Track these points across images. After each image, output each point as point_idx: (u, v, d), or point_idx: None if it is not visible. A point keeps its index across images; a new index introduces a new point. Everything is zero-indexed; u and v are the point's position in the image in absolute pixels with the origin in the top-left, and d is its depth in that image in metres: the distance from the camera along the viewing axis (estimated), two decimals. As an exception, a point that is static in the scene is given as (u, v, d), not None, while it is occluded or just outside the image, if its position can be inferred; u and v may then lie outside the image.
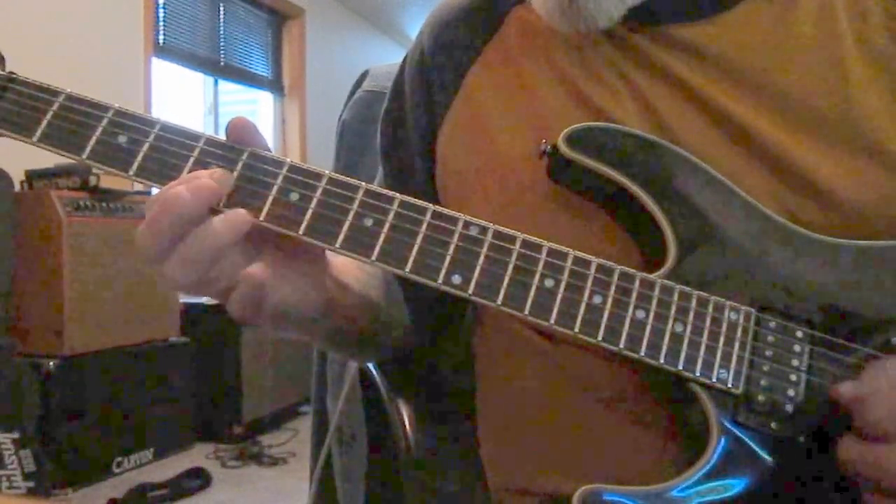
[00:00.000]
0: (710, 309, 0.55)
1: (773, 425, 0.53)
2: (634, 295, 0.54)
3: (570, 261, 0.55)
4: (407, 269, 0.53)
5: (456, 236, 0.54)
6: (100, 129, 0.55)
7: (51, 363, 2.68)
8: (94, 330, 2.83)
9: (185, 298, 3.31)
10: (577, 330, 0.53)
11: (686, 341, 0.54)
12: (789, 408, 0.53)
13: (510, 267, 0.54)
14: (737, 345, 0.54)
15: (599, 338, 0.53)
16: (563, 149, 0.59)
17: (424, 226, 0.54)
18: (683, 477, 0.52)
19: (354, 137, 1.06)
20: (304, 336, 0.66)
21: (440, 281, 0.53)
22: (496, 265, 0.54)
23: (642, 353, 0.53)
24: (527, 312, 0.53)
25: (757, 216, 0.58)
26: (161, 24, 3.93)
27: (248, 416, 3.38)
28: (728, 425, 0.53)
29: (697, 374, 0.53)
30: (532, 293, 0.53)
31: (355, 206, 0.54)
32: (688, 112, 0.61)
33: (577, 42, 0.66)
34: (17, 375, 2.62)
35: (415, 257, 0.53)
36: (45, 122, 0.55)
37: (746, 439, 0.53)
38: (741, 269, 0.56)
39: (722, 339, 0.54)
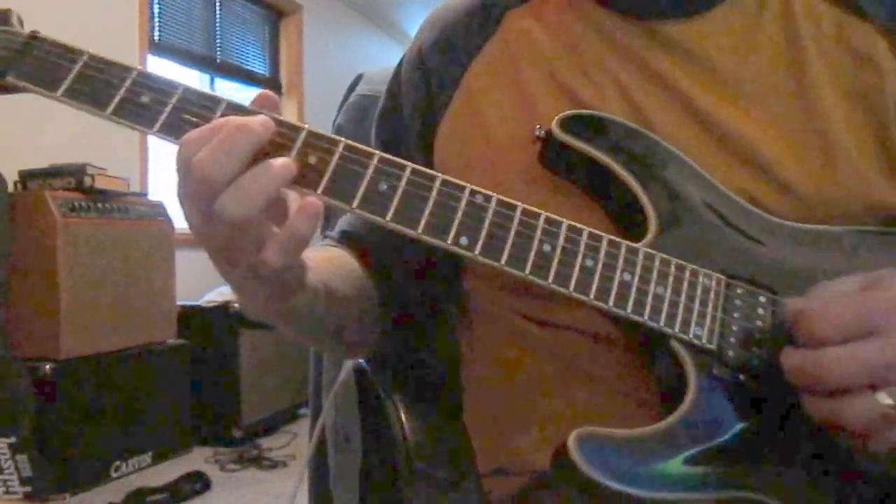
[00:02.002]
0: (687, 275, 0.61)
1: (741, 377, 0.59)
2: (621, 260, 0.60)
3: (564, 228, 0.59)
4: (419, 230, 0.57)
5: (463, 202, 0.58)
6: (124, 89, 0.56)
7: (47, 367, 2.65)
8: (90, 333, 2.80)
9: (181, 301, 3.28)
10: (572, 289, 0.59)
11: (667, 302, 0.60)
12: (755, 362, 0.60)
13: (512, 232, 0.58)
14: (710, 306, 0.61)
15: (592, 296, 0.59)
16: (557, 132, 0.65)
17: (434, 192, 0.57)
18: (665, 423, 0.57)
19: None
20: (277, 311, 0.65)
21: (449, 242, 0.57)
22: (500, 230, 0.58)
23: (629, 311, 0.59)
24: (527, 272, 0.58)
25: (726, 201, 0.65)
26: (156, 20, 3.89)
27: (247, 419, 3.34)
28: (703, 378, 0.59)
29: (677, 330, 0.60)
30: (532, 256, 0.58)
31: (370, 171, 0.57)
32: (668, 107, 0.68)
33: (568, 42, 0.73)
34: (13, 379, 2.61)
35: (426, 220, 0.57)
36: (69, 79, 0.56)
37: (720, 390, 0.59)
38: (712, 245, 0.63)
39: (697, 301, 0.60)
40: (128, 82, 0.56)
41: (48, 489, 2.62)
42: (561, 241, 0.59)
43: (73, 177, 2.84)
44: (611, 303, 0.59)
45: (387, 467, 0.85)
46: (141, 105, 0.56)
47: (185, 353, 3.22)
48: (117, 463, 2.87)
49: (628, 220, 0.65)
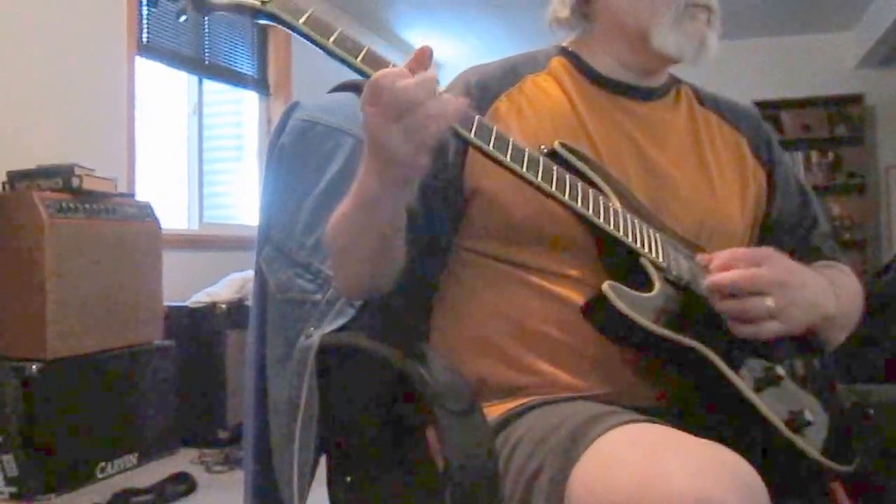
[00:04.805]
0: (644, 226, 1.00)
1: (681, 283, 0.98)
2: (612, 212, 0.98)
3: (590, 192, 0.98)
4: (507, 158, 0.92)
5: (527, 153, 0.94)
6: (336, 33, 0.90)
7: (33, 367, 2.66)
8: (77, 333, 2.81)
9: (168, 301, 3.29)
10: (601, 219, 0.96)
11: (640, 239, 0.98)
12: (686, 276, 0.99)
13: (555, 173, 0.95)
14: (660, 244, 0.99)
15: (608, 225, 0.96)
16: (558, 148, 1.03)
17: (526, 149, 0.94)
18: (647, 295, 0.95)
19: (293, 160, 1.21)
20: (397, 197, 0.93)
21: (524, 169, 0.92)
22: (547, 171, 0.94)
23: (629, 240, 0.97)
24: (578, 204, 0.95)
25: (648, 212, 1.05)
26: (145, 22, 3.89)
27: (232, 420, 3.33)
28: (662, 280, 0.97)
29: (649, 252, 0.98)
30: (579, 193, 0.96)
31: (494, 131, 0.93)
32: (626, 151, 1.09)
33: (567, 99, 1.11)
34: (-2, 379, 2.62)
35: (511, 153, 0.93)
36: (305, 17, 0.90)
37: (670, 287, 0.98)
38: (650, 223, 1.02)
39: (654, 239, 0.99)
40: (337, 31, 0.89)
41: (34, 489, 2.64)
42: (590, 193, 0.96)
43: (60, 177, 2.85)
44: (619, 232, 0.96)
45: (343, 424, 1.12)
46: (348, 44, 0.89)
47: (172, 354, 3.23)
48: (103, 464, 2.88)
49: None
